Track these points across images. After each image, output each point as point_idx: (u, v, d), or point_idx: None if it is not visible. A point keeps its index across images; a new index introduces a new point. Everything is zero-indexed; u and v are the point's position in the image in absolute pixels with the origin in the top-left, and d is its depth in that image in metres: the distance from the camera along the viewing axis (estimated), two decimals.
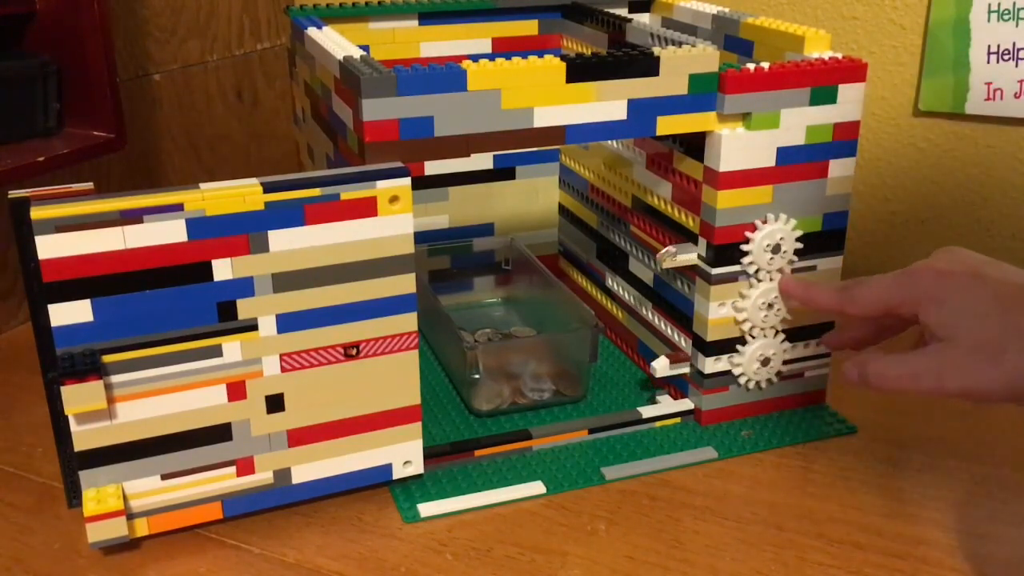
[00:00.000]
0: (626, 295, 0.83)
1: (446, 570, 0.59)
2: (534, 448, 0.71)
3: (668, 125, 0.66)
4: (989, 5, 0.91)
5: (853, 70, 0.68)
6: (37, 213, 0.52)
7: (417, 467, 0.65)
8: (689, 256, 0.71)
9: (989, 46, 0.92)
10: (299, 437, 0.61)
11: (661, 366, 0.73)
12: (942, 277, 0.57)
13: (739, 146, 0.67)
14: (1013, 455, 0.71)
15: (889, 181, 1.02)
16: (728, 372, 0.73)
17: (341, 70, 0.64)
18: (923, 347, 0.58)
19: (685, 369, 0.74)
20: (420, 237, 0.90)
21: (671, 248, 0.71)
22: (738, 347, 0.72)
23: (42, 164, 0.83)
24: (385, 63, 0.63)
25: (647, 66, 0.64)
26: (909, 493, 0.67)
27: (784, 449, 0.71)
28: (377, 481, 0.65)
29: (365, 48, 0.82)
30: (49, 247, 0.52)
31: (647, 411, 0.74)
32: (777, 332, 0.72)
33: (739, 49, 0.78)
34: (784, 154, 0.68)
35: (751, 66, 0.66)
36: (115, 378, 0.56)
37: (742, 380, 0.73)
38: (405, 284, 0.61)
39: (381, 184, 0.58)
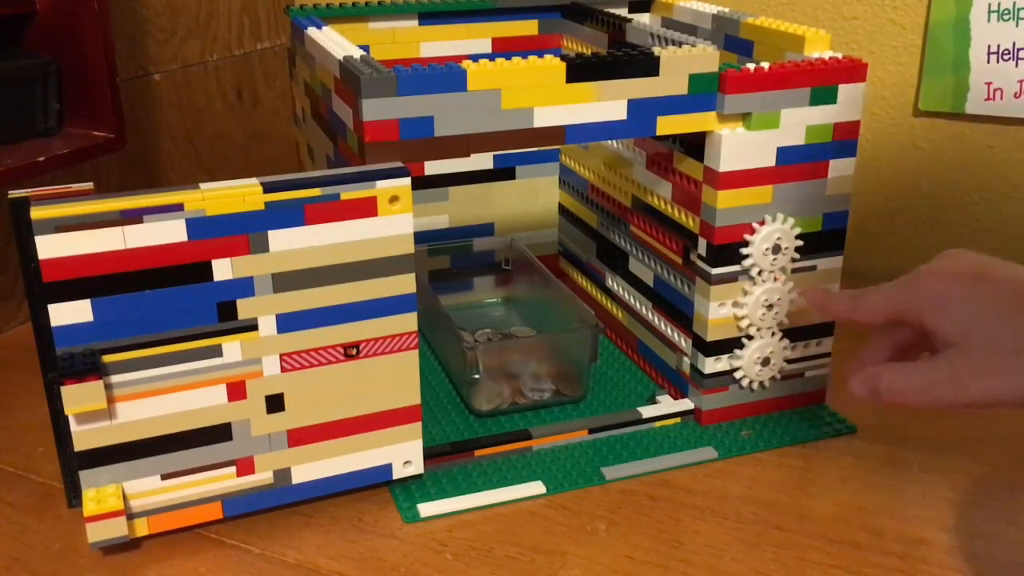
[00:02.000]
0: (626, 295, 0.83)
1: (446, 570, 0.59)
2: (534, 448, 0.71)
3: (668, 125, 0.66)
4: (989, 5, 0.91)
5: (853, 70, 0.68)
6: (37, 213, 0.52)
7: (417, 467, 0.65)
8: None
9: (989, 46, 0.92)
10: (299, 437, 0.61)
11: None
12: (946, 282, 0.55)
13: (739, 146, 0.67)
14: (1013, 455, 0.71)
15: (889, 181, 1.02)
16: (728, 372, 0.73)
17: (341, 70, 0.64)
18: (934, 356, 0.55)
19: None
20: (420, 237, 0.90)
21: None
22: (738, 347, 0.72)
23: (42, 164, 0.83)
24: (385, 63, 0.63)
25: (647, 66, 0.64)
26: (909, 493, 0.67)
27: (784, 449, 0.71)
28: (377, 481, 0.65)
29: (365, 48, 0.82)
30: (49, 247, 0.52)
31: (647, 411, 0.74)
32: (777, 332, 0.72)
33: (739, 49, 0.78)
34: (784, 154, 0.68)
35: (751, 66, 0.66)
36: (115, 378, 0.56)
37: (742, 380, 0.73)
38: (405, 284, 0.61)
39: (381, 184, 0.58)
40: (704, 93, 0.66)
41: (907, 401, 0.55)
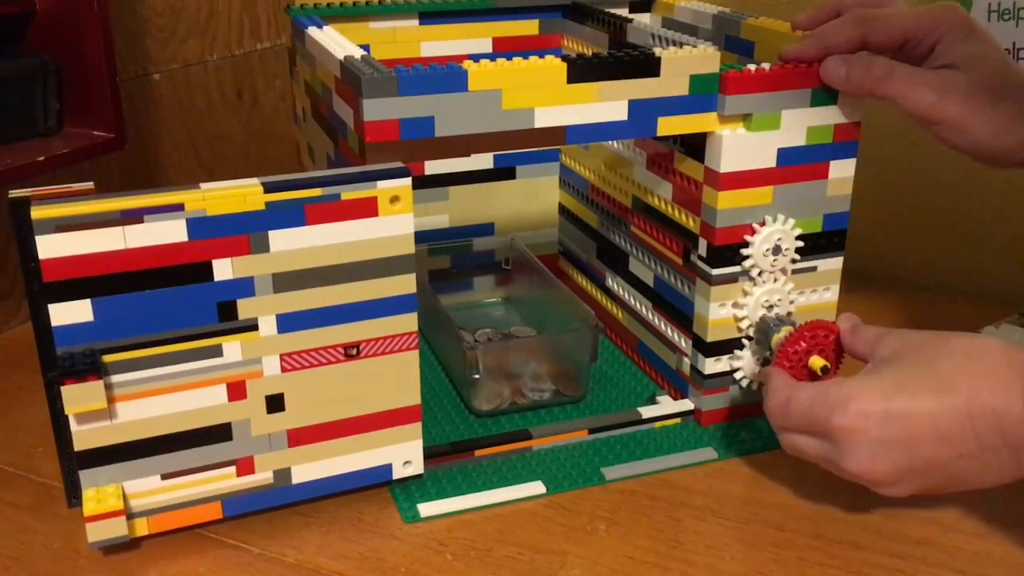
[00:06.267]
0: (626, 295, 0.83)
1: (446, 570, 0.59)
2: (534, 448, 0.71)
3: (669, 126, 0.66)
4: (989, 5, 0.91)
5: None
6: (37, 213, 0.52)
7: (417, 467, 0.65)
8: None
9: None
10: (299, 437, 0.61)
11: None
12: (968, 17, 0.64)
13: (740, 147, 0.67)
14: None
15: (889, 181, 1.02)
16: (728, 372, 0.73)
17: (342, 70, 0.64)
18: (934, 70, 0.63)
19: None
20: (420, 237, 0.89)
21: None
22: (738, 348, 0.72)
23: (42, 164, 0.83)
24: (386, 63, 0.63)
25: (648, 67, 0.64)
26: None
27: None
28: (377, 481, 0.65)
29: (366, 48, 0.82)
30: (49, 247, 0.52)
31: (647, 411, 0.74)
32: None
33: (740, 50, 0.78)
34: (785, 155, 0.68)
35: (752, 67, 0.66)
36: (115, 378, 0.56)
37: (742, 380, 0.73)
38: (405, 284, 0.61)
39: (381, 184, 0.58)
40: (705, 94, 0.66)
41: (885, 93, 0.64)
